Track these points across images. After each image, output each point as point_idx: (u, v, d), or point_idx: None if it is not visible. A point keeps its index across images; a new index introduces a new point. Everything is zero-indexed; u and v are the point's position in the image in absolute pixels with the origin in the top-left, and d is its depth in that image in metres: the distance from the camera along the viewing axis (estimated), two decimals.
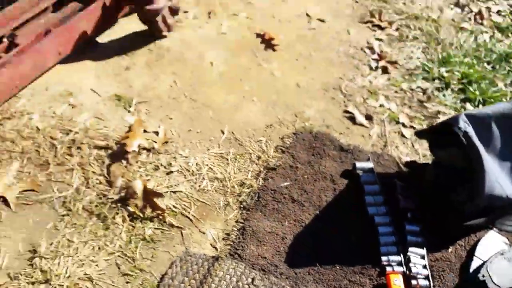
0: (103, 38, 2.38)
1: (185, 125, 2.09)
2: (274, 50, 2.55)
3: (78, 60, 2.24)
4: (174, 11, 2.46)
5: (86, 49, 2.28)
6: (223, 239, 1.76)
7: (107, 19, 2.35)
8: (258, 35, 2.61)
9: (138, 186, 1.79)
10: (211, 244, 1.74)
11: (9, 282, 1.55)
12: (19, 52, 2.06)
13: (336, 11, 2.91)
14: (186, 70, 2.34)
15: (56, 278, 1.56)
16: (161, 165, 1.93)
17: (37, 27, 2.22)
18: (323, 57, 2.57)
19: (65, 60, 2.18)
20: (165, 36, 2.45)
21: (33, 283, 1.55)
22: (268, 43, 2.57)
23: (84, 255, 1.63)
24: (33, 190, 1.77)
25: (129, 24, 2.48)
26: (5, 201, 1.72)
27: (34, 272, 1.57)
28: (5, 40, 2.12)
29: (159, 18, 2.32)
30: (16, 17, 2.21)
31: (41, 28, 2.20)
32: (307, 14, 2.82)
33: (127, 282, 1.60)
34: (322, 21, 2.80)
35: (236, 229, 1.78)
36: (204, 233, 1.76)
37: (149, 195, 1.78)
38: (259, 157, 2.02)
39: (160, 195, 1.79)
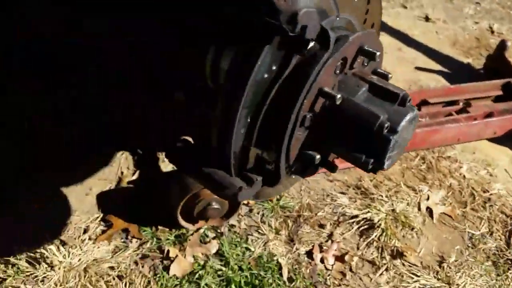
0: None
1: None
2: None
3: (501, 143, 2.61)
4: None
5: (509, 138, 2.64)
6: None
7: None
8: None
9: None
10: None
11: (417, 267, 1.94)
12: (469, 117, 2.55)
13: None
14: None
15: (456, 286, 1.88)
16: None
17: (483, 107, 2.69)
18: None
19: (493, 139, 2.58)
20: None
21: (438, 279, 1.91)
22: None
23: (478, 284, 1.92)
24: (450, 216, 2.16)
25: None
26: (430, 213, 2.15)
27: (441, 273, 1.93)
28: (460, 104, 2.64)
29: None
30: (470, 92, 2.74)
31: (487, 108, 2.66)
32: None
33: None
34: None
35: None
36: None
37: None
38: None
39: None
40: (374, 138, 1.11)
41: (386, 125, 1.10)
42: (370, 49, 1.15)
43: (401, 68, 3.08)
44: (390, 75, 1.24)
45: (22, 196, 1.85)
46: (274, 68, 1.05)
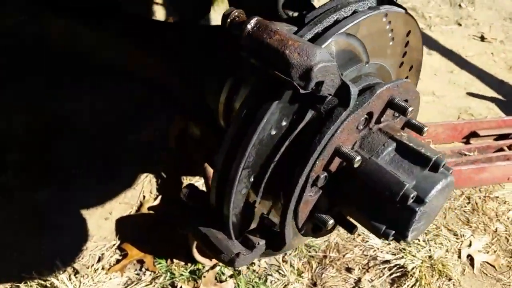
0: None
1: None
2: None
3: None
4: None
5: None
6: None
7: None
8: None
9: None
10: None
11: None
12: None
13: None
14: None
15: None
16: None
17: None
18: None
19: None
20: None
21: None
22: None
23: None
24: (493, 266, 1.91)
25: None
26: (471, 261, 1.91)
27: None
28: None
29: None
30: None
31: None
32: None
33: None
34: None
35: None
36: None
37: None
38: None
39: None
40: (397, 208, 0.93)
41: (412, 195, 0.91)
42: (401, 103, 0.97)
43: (452, 92, 2.82)
44: (426, 128, 1.05)
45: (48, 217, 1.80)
46: (284, 123, 0.90)
